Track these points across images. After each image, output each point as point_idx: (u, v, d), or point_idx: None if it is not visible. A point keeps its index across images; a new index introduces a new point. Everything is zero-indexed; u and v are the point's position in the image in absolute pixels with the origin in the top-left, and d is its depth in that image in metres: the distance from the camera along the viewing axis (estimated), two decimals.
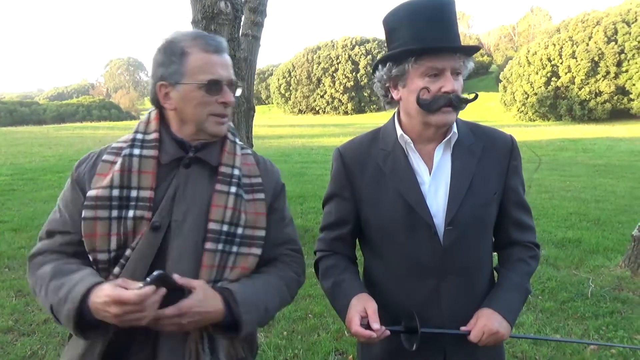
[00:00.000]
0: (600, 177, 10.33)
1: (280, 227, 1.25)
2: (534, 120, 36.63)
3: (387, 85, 1.25)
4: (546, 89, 36.10)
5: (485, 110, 41.82)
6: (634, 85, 33.21)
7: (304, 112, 56.92)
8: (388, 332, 1.16)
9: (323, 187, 1.47)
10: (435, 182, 1.24)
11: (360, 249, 1.39)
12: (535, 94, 36.47)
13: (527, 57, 38.06)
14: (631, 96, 33.55)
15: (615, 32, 34.59)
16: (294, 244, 1.29)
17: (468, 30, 74.24)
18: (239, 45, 4.96)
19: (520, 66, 38.43)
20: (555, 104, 35.99)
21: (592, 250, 4.98)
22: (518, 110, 38.21)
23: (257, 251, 1.17)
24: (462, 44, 1.18)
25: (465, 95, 1.20)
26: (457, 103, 1.17)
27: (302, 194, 8.24)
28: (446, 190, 1.22)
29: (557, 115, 36.08)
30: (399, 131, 1.26)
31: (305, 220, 6.44)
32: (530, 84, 36.82)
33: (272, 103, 64.63)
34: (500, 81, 41.30)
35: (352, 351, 2.89)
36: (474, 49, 1.18)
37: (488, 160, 1.25)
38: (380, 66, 1.25)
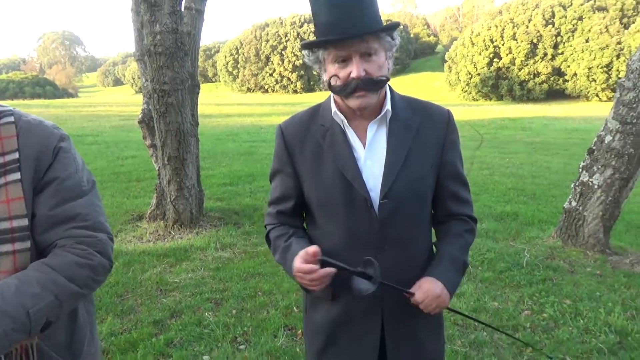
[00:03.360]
0: (537, 154, 10.90)
1: (56, 203, 1.02)
2: (477, 100, 37.90)
3: (318, 68, 1.27)
4: (489, 69, 37.33)
5: (431, 89, 42.81)
6: (568, 66, 34.97)
7: (253, 91, 56.00)
8: (332, 270, 1.17)
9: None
10: (371, 157, 1.26)
11: (306, 223, 1.42)
12: (479, 74, 37.64)
13: (470, 38, 39.10)
14: (566, 77, 35.35)
15: (553, 15, 36.12)
16: (81, 221, 1.04)
17: (415, 10, 75.14)
18: (182, 19, 4.77)
19: (465, 47, 39.44)
20: (497, 84, 37.33)
21: (528, 223, 5.27)
22: (462, 90, 39.35)
23: (23, 245, 0.98)
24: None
25: (376, 77, 1.19)
26: (367, 86, 1.18)
27: (250, 173, 8.16)
28: (382, 164, 1.25)
29: (498, 95, 37.48)
30: (334, 108, 1.28)
31: (254, 199, 6.40)
32: (474, 65, 37.94)
33: (220, 81, 63.03)
34: (446, 61, 42.28)
35: (301, 326, 2.93)
36: (381, 29, 1.17)
37: (424, 134, 1.28)
38: (305, 52, 1.27)
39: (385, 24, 1.19)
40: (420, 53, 57.76)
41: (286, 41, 52.50)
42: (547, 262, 4.05)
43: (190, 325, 3.04)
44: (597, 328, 2.96)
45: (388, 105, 1.27)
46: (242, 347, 2.83)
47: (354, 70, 1.17)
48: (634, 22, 32.69)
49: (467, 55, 38.72)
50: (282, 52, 52.73)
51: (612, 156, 4.13)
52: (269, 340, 2.86)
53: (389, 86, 1.30)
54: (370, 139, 1.27)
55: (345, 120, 1.27)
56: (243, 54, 55.62)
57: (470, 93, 38.72)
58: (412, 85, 43.13)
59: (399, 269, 1.28)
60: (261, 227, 5.00)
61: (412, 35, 57.00)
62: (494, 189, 6.99)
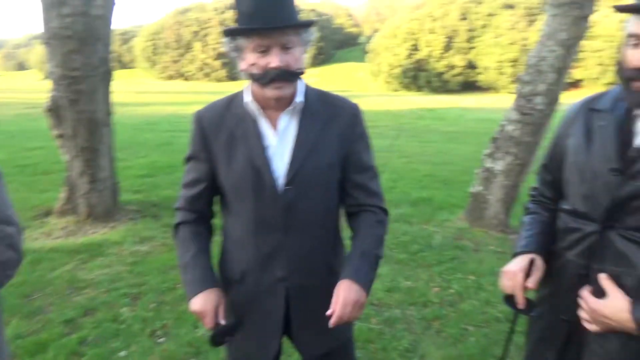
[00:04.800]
0: (451, 142, 11.55)
1: None
2: (398, 91, 39.26)
3: (234, 56, 1.30)
4: (409, 61, 38.76)
5: (354, 80, 43.71)
6: (480, 60, 37.20)
7: (174, 78, 53.92)
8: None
9: None
10: (280, 146, 1.32)
11: (220, 206, 1.46)
12: (400, 65, 38.97)
13: (392, 30, 40.33)
14: (479, 70, 37.59)
15: (467, 11, 38.17)
16: None
17: (338, 1, 75.98)
18: (93, 1, 4.51)
19: (386, 39, 40.62)
20: (417, 76, 38.88)
21: (440, 207, 5.62)
22: (385, 81, 40.56)
23: None
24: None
25: (295, 69, 1.26)
26: (285, 77, 1.24)
27: (171, 164, 7.92)
28: (290, 153, 1.31)
29: (418, 86, 39.06)
30: (247, 98, 1.33)
31: (174, 190, 6.23)
32: (395, 56, 39.21)
33: (137, 67, 59.99)
34: (368, 52, 43.30)
35: None
36: (302, 24, 1.25)
37: (333, 126, 1.35)
38: (226, 39, 1.30)
39: (308, 18, 1.26)
40: (344, 44, 58.65)
41: (208, 27, 51.01)
42: (456, 242, 4.36)
43: (105, 322, 2.95)
44: (496, 300, 3.25)
45: (301, 97, 1.33)
46: (161, 340, 2.79)
47: (274, 60, 1.21)
48: (537, 20, 35.40)
49: (389, 47, 39.91)
50: (205, 38, 51.18)
51: (512, 144, 4.51)
52: (189, 331, 2.84)
53: (302, 79, 1.36)
54: (282, 129, 1.33)
55: (259, 110, 1.32)
56: (163, 40, 53.30)
57: (392, 84, 40.02)
58: (336, 75, 43.77)
59: (305, 252, 1.35)
60: None
61: (335, 26, 57.69)
62: (411, 176, 7.35)
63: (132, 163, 8.05)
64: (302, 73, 1.28)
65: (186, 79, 52.96)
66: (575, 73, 29.33)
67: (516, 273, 1.29)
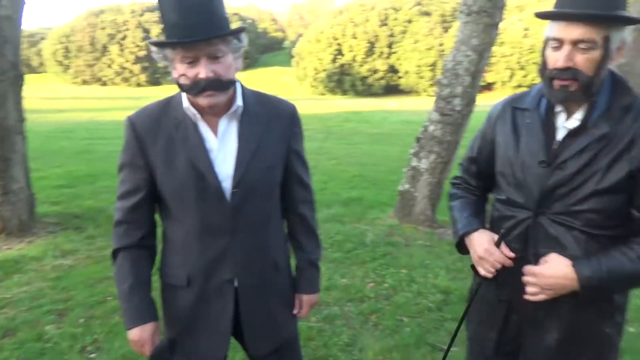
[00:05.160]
0: (377, 144, 11.94)
1: None
2: (324, 94, 39.83)
3: (166, 64, 1.29)
4: (333, 65, 39.48)
5: (280, 84, 43.71)
6: (401, 64, 38.73)
7: (89, 83, 50.88)
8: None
9: (116, 163, 1.42)
10: (223, 149, 1.33)
11: (159, 213, 1.42)
12: (325, 69, 39.58)
13: (316, 36, 40.89)
14: (400, 74, 39.11)
15: (387, 17, 39.62)
16: None
17: (262, 4, 75.68)
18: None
19: (310, 43, 41.11)
20: (341, 80, 39.68)
21: (370, 206, 5.80)
22: (310, 85, 40.97)
23: None
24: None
25: (226, 78, 1.25)
26: (215, 87, 1.24)
27: (91, 173, 7.50)
28: (234, 156, 1.32)
29: (343, 90, 39.87)
30: (186, 103, 1.31)
31: (97, 200, 5.92)
32: (320, 61, 39.78)
33: (47, 72, 55.95)
34: (293, 57, 43.57)
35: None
36: (229, 33, 1.23)
37: (273, 127, 1.38)
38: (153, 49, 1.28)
39: (232, 22, 1.26)
40: (269, 48, 58.57)
41: (126, 30, 48.71)
42: (387, 239, 4.53)
43: (28, 342, 2.75)
44: (427, 290, 3.43)
45: (239, 101, 1.34)
46: (93, 355, 2.66)
47: (202, 71, 1.21)
48: (451, 27, 37.52)
49: (313, 52, 40.39)
50: (122, 41, 48.80)
51: (435, 143, 4.77)
52: (123, 344, 2.72)
53: (239, 82, 1.37)
54: (222, 132, 1.33)
55: (198, 114, 1.31)
56: (75, 42, 50.15)
57: (318, 88, 40.52)
58: (261, 79, 43.54)
59: (252, 253, 1.37)
60: (107, 230, 4.67)
61: (260, 30, 57.47)
62: (340, 177, 7.51)
63: (47, 173, 7.52)
64: (233, 82, 1.29)
65: (103, 84, 50.17)
66: (488, 77, 31.43)
67: (492, 250, 1.36)
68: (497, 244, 1.37)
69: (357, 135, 13.78)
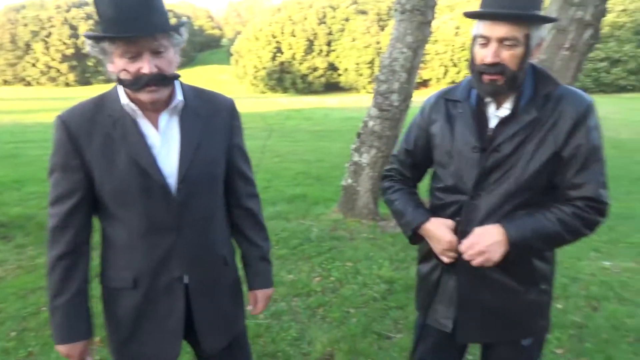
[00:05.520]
0: (320, 141, 12.06)
1: None
2: (265, 92, 39.69)
3: (102, 58, 1.25)
4: (273, 63, 39.37)
5: (219, 82, 43.03)
6: (340, 62, 39.29)
7: (11, 83, 47.56)
8: None
9: (45, 167, 1.35)
10: (166, 145, 1.30)
11: (98, 215, 1.36)
12: (264, 68, 39.40)
13: (254, 33, 40.55)
14: (339, 71, 39.66)
15: (325, 15, 39.98)
16: None
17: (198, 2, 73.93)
18: None
19: (249, 41, 40.73)
20: (282, 78, 39.71)
21: (315, 202, 5.86)
22: (250, 83, 40.66)
23: None
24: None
25: (170, 73, 1.25)
26: (159, 82, 1.22)
27: (18, 179, 7.04)
28: (177, 151, 1.30)
29: (283, 88, 39.91)
30: (124, 99, 1.27)
31: (26, 207, 5.56)
32: (259, 59, 39.52)
33: None
34: (232, 55, 42.98)
35: (99, 332, 2.74)
36: (172, 29, 1.23)
37: (213, 121, 1.38)
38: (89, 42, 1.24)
39: (169, 16, 1.24)
40: (206, 46, 57.38)
41: (51, 27, 45.94)
42: (332, 233, 4.60)
43: None
44: (372, 281, 3.52)
45: (179, 96, 1.32)
46: None
47: (145, 66, 1.19)
48: (387, 25, 38.46)
49: (252, 50, 40.08)
50: (47, 39, 45.99)
51: (375, 138, 4.89)
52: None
53: (179, 77, 1.35)
54: (164, 128, 1.31)
55: (138, 110, 1.28)
56: None
57: (258, 86, 40.30)
58: (199, 78, 42.61)
59: (200, 248, 1.35)
60: (38, 237, 4.42)
61: (196, 28, 56.12)
62: (284, 174, 7.53)
63: None
64: (176, 77, 1.28)
65: (28, 84, 47.07)
66: (424, 74, 32.55)
67: (454, 241, 1.43)
68: (455, 232, 1.45)
69: (300, 132, 13.84)
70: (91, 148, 1.26)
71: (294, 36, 39.42)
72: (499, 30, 1.28)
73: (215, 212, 1.41)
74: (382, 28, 39.08)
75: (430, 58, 34.85)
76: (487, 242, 1.36)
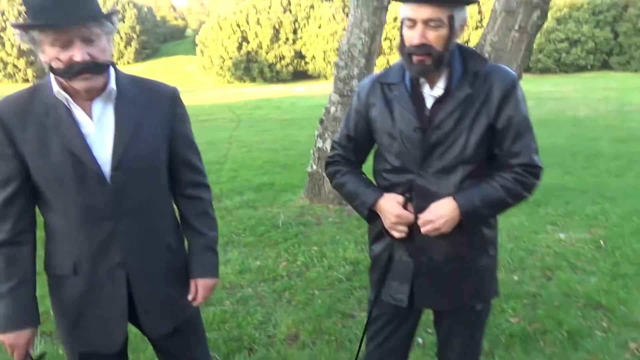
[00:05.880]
0: (288, 129, 12.05)
1: None
2: (232, 83, 39.16)
3: (32, 48, 1.25)
4: (239, 53, 38.84)
5: (185, 74, 42.27)
6: (307, 50, 39.06)
7: None
8: None
9: None
10: (100, 133, 1.31)
11: (37, 204, 1.37)
12: (231, 57, 38.82)
13: (218, 23, 39.86)
14: (307, 59, 39.43)
15: (289, 3, 39.58)
16: None
17: None
18: None
19: (214, 31, 40.03)
20: (249, 67, 39.22)
21: (282, 190, 5.90)
22: (217, 74, 40.03)
23: None
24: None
25: (102, 60, 1.25)
26: (92, 69, 1.23)
27: None
28: (112, 139, 1.31)
29: (251, 77, 39.44)
30: (56, 88, 1.28)
31: None
32: (225, 48, 38.92)
33: None
34: (197, 45, 42.19)
35: None
36: (106, 16, 1.24)
37: (152, 110, 1.39)
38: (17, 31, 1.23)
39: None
40: (170, 37, 56.13)
41: (5, 21, 44.09)
42: (299, 219, 4.66)
43: None
44: (337, 263, 3.60)
45: (112, 84, 1.32)
46: None
47: (77, 54, 1.19)
48: None
49: (218, 39, 39.42)
50: (1, 33, 44.16)
51: (337, 124, 4.93)
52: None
53: (113, 65, 1.35)
54: (98, 116, 1.32)
55: (70, 99, 1.28)
56: None
57: (225, 76, 39.71)
58: (164, 70, 41.76)
59: (141, 235, 1.37)
60: None
61: (159, 19, 54.79)
62: (251, 164, 7.52)
63: None
64: (109, 65, 1.28)
65: None
66: (390, 58, 32.67)
67: (402, 214, 1.49)
68: (404, 206, 1.51)
69: (268, 122, 13.79)
70: (25, 137, 1.26)
71: (259, 25, 38.94)
72: (424, 12, 1.33)
73: (156, 200, 1.42)
74: (347, 15, 39.00)
75: (397, 43, 35.06)
76: (442, 218, 1.44)
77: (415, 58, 1.39)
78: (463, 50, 1.49)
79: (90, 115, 1.30)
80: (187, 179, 1.49)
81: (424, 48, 1.36)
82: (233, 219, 4.70)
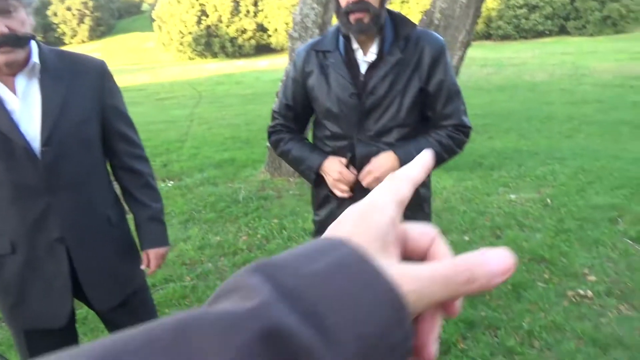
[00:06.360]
0: (250, 104, 11.91)
1: None
2: (194, 59, 38.17)
3: None
4: (199, 27, 37.76)
5: (144, 51, 40.89)
6: (269, 22, 38.29)
7: None
8: None
9: None
10: (27, 109, 1.31)
11: None
12: (190, 33, 37.72)
13: None
14: (269, 32, 38.70)
15: None
16: None
17: None
18: None
19: (171, 5, 38.67)
20: (210, 42, 38.23)
21: (243, 165, 5.89)
22: (177, 50, 38.90)
23: None
24: None
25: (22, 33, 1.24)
26: (13, 42, 1.22)
27: None
28: (39, 114, 1.31)
29: (212, 52, 38.50)
30: None
31: None
32: (184, 23, 37.75)
33: None
34: (154, 20, 40.73)
35: None
36: None
37: (80, 84, 1.38)
38: None
39: None
40: (126, 12, 53.91)
41: None
42: (259, 193, 4.69)
43: None
44: (297, 234, 3.67)
45: (35, 58, 1.31)
46: None
47: None
48: None
49: (175, 14, 38.14)
50: None
51: None
52: None
53: (34, 38, 1.33)
54: (22, 91, 1.31)
55: None
56: None
57: (186, 52, 38.64)
58: (121, 47, 40.27)
59: (78, 209, 1.38)
60: None
61: None
62: (212, 140, 7.45)
63: None
64: (31, 37, 1.27)
65: None
66: None
67: (344, 172, 1.55)
68: (347, 166, 1.56)
69: (229, 97, 13.58)
70: None
71: None
72: None
73: (91, 173, 1.44)
74: None
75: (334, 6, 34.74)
76: (382, 168, 1.50)
77: (352, 17, 1.44)
78: (394, 16, 1.54)
79: (14, 91, 1.29)
80: (124, 152, 1.50)
81: (361, 4, 1.41)
82: (194, 197, 4.70)
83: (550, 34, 33.74)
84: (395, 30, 1.52)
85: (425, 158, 0.32)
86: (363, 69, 1.55)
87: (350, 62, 1.56)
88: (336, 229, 0.27)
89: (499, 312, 2.57)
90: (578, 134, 7.25)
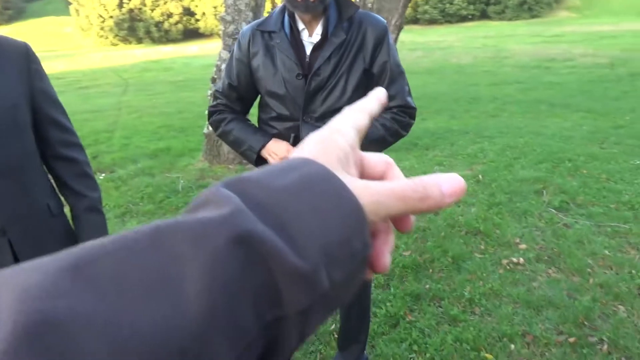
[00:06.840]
0: (181, 91, 11.51)
1: None
2: (117, 45, 36.19)
3: None
4: (120, 11, 35.77)
5: (62, 37, 38.21)
6: (197, 6, 36.99)
7: None
8: None
9: None
10: None
11: None
12: (111, 17, 35.67)
13: None
14: (197, 17, 37.41)
15: None
16: None
17: None
18: None
19: None
20: (133, 27, 36.36)
21: (180, 154, 5.70)
22: (98, 35, 36.68)
23: None
24: None
25: None
26: None
27: None
28: None
29: (137, 38, 36.69)
30: None
31: None
32: (104, 7, 35.60)
33: None
34: (71, 4, 38.04)
35: None
36: None
37: (3, 67, 1.27)
38: None
39: None
40: None
41: None
42: (199, 182, 4.57)
43: None
44: None
45: None
46: None
47: None
48: None
49: None
50: None
51: None
52: None
53: None
54: None
55: None
56: None
57: (107, 38, 36.54)
58: (36, 33, 37.30)
59: (16, 200, 1.29)
60: None
61: None
62: (144, 129, 7.13)
63: None
64: None
65: None
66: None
67: (292, 151, 1.52)
68: (294, 146, 1.56)
69: (159, 84, 13.04)
70: None
71: None
72: None
73: (26, 163, 1.34)
74: None
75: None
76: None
77: None
78: None
79: None
80: (57, 139, 1.40)
81: None
82: (129, 189, 4.49)
83: (472, 18, 35.27)
84: (339, 11, 1.53)
85: (379, 93, 0.34)
86: (308, 50, 1.54)
87: (296, 42, 1.55)
88: (301, 152, 0.29)
89: (442, 283, 2.70)
90: (502, 113, 7.68)
